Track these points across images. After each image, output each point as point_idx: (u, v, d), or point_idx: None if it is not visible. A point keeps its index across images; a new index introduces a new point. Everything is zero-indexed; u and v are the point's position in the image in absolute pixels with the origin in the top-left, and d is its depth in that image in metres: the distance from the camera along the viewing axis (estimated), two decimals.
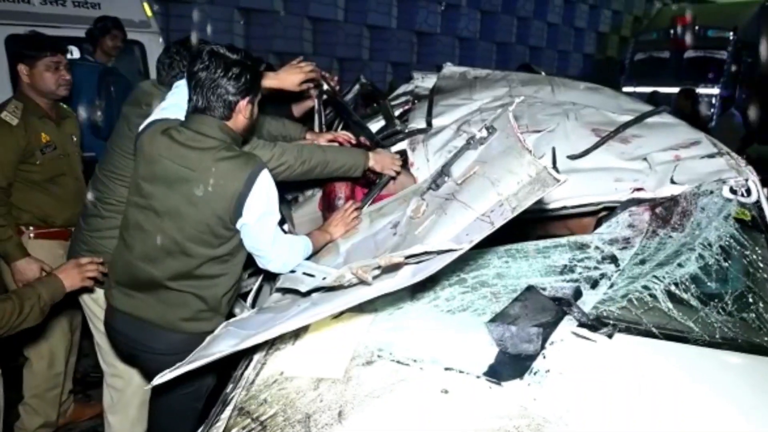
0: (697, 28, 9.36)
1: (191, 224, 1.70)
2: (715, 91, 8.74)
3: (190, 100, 1.73)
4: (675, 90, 6.95)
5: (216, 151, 1.67)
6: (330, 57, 11.48)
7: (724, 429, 1.32)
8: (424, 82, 3.20)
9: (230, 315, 1.94)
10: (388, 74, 12.46)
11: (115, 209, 2.11)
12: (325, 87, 2.55)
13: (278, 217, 1.79)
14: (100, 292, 2.10)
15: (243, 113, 1.73)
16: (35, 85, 2.46)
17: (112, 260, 1.90)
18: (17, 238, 2.42)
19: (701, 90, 8.01)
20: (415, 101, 2.96)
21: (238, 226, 1.71)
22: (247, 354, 1.58)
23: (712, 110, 8.42)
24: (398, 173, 2.21)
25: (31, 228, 2.51)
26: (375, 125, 2.79)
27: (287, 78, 2.15)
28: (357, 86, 3.03)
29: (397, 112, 2.86)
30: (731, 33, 9.00)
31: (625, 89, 8.20)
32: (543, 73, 3.52)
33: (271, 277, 2.03)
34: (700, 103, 6.98)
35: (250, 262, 1.91)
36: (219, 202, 1.67)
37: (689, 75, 8.78)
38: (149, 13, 4.73)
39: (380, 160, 2.15)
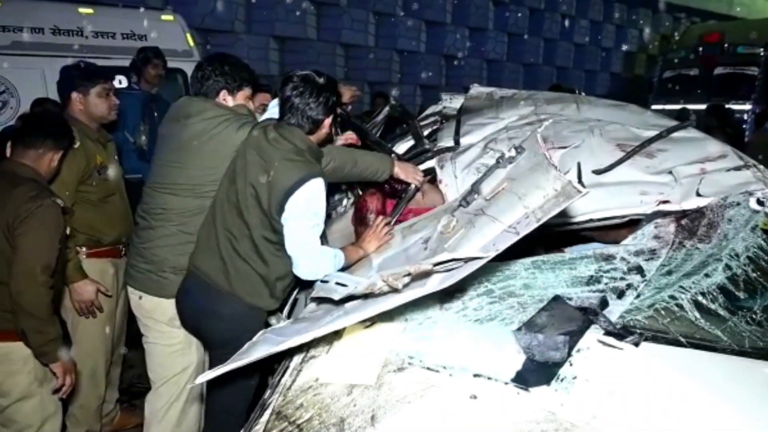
0: (726, 45, 9.23)
1: (252, 204, 1.96)
2: (748, 107, 8.56)
3: (282, 115, 1.98)
4: (704, 107, 6.87)
5: (288, 152, 1.92)
6: (361, 81, 11.68)
7: None
8: (452, 103, 3.25)
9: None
10: (418, 97, 12.60)
11: (162, 217, 2.22)
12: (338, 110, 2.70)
13: (320, 227, 1.95)
14: (155, 302, 2.25)
15: (326, 129, 2.01)
16: (88, 111, 2.63)
17: (201, 228, 2.14)
18: (77, 260, 2.52)
19: (733, 106, 7.88)
20: (443, 121, 3.03)
21: (282, 220, 1.91)
22: (283, 361, 1.65)
23: (744, 126, 8.23)
24: (422, 183, 2.33)
25: (84, 248, 2.60)
26: (404, 145, 2.88)
27: (343, 93, 2.53)
28: (387, 108, 3.12)
29: (425, 132, 2.94)
30: (762, 49, 8.84)
31: (655, 107, 8.11)
32: (577, 92, 3.51)
33: (306, 289, 2.13)
34: (731, 118, 6.85)
35: None
36: (273, 192, 1.90)
37: (719, 92, 8.61)
38: (191, 43, 5.01)
39: (404, 168, 2.31)
